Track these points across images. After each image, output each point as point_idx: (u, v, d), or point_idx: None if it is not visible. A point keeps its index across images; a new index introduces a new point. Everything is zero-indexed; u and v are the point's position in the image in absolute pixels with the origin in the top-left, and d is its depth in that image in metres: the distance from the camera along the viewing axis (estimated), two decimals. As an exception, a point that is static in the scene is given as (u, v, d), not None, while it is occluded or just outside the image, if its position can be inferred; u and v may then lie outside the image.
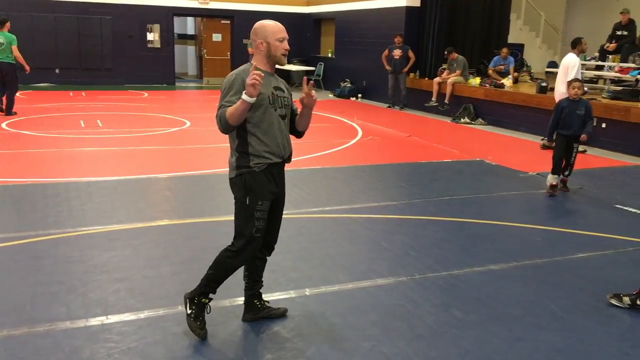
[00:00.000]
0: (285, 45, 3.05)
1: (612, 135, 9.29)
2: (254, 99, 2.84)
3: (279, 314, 3.44)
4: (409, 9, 14.27)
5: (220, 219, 5.20)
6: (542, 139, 10.08)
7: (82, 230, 4.87)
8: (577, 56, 8.68)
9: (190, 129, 10.14)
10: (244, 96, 2.82)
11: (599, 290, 3.96)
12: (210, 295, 3.22)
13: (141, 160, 7.67)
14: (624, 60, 11.13)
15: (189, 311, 3.20)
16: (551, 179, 6.50)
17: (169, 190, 6.31)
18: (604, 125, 9.35)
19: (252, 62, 3.11)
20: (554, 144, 6.58)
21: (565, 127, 6.38)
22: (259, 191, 3.06)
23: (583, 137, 6.35)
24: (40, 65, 16.54)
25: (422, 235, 5.02)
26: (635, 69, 10.40)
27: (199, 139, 9.23)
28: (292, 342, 3.19)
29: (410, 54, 13.72)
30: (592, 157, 8.74)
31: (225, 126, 2.95)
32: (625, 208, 6.03)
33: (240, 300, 3.58)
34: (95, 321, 3.34)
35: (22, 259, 4.22)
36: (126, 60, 17.52)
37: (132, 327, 3.30)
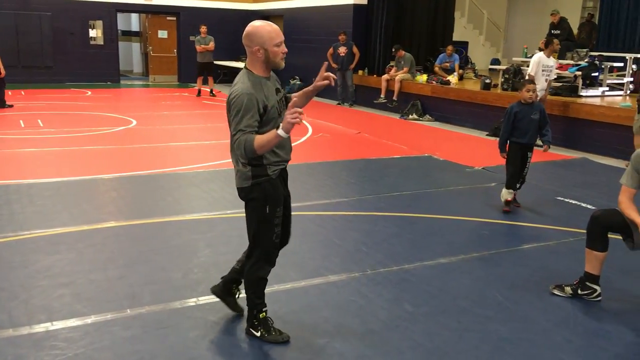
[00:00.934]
0: (284, 48, 2.94)
1: (553, 130, 9.54)
2: (288, 135, 2.82)
3: (236, 310, 3.42)
4: (356, 7, 14.38)
5: (169, 220, 5.11)
6: (487, 134, 10.38)
7: (24, 234, 4.69)
8: (548, 57, 9.01)
9: (136, 128, 9.92)
10: (281, 132, 2.74)
11: (542, 281, 4.11)
12: (264, 308, 3.20)
13: (85, 161, 7.44)
14: (562, 57, 11.55)
15: (258, 334, 3.17)
16: (506, 194, 5.75)
17: (115, 191, 6.15)
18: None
19: (246, 66, 2.96)
20: (507, 154, 5.79)
21: (520, 134, 5.68)
22: (277, 198, 3.05)
23: (545, 147, 5.81)
24: (-25, 63, 15.86)
25: (373, 231, 5.07)
26: (573, 65, 10.81)
27: (146, 138, 9.04)
28: (245, 342, 3.17)
29: (355, 50, 13.82)
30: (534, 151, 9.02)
31: (250, 155, 2.82)
32: (566, 200, 6.27)
33: (192, 302, 3.54)
34: (39, 328, 3.22)
35: (-42, 266, 4.03)
36: (68, 57, 16.97)
37: (78, 332, 3.20)
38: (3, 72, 11.33)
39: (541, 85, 8.93)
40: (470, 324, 3.45)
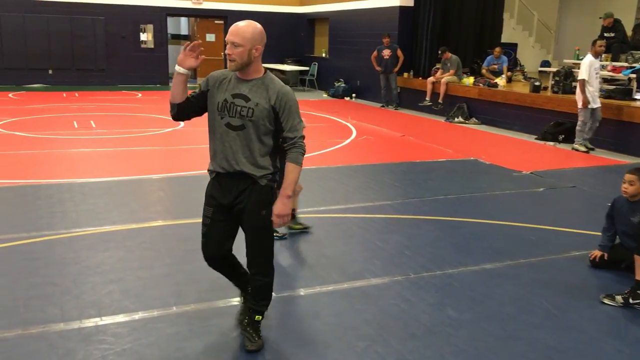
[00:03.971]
0: (227, 50, 2.84)
1: (606, 134, 9.32)
2: (182, 69, 2.86)
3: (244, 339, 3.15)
4: (402, 9, 14.29)
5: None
6: (536, 138, 10.14)
7: (76, 231, 4.85)
8: (594, 57, 8.79)
9: (184, 130, 10.12)
10: (177, 68, 2.88)
11: (592, 289, 3.98)
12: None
13: (135, 161, 7.65)
14: (615, 59, 11.19)
15: None
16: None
17: (162, 191, 6.30)
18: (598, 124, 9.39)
19: None
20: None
21: (619, 234, 4.26)
22: (206, 195, 3.05)
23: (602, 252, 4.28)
24: (33, 66, 16.54)
25: (416, 235, 5.03)
26: (627, 67, 10.45)
27: (193, 139, 9.21)
28: (287, 342, 3.19)
29: (399, 52, 13.73)
30: (585, 156, 8.78)
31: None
32: (618, 206, 6.05)
33: (235, 301, 3.59)
34: (89, 323, 3.33)
35: (15, 261, 4.20)
36: (119, 60, 17.47)
37: (126, 328, 3.29)
38: None
39: (595, 87, 8.75)
40: (515, 332, 3.38)
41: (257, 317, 3.13)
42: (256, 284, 3.08)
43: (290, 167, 2.87)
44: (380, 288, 3.92)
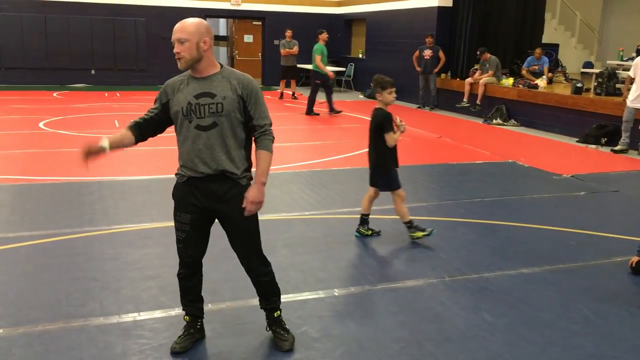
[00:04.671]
0: (175, 49, 2.80)
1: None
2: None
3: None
4: (440, 9, 14.15)
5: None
6: (577, 141, 9.90)
7: (116, 228, 4.97)
8: None
9: (221, 129, 10.25)
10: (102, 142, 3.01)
11: (634, 296, 3.88)
12: (188, 315, 3.13)
13: (174, 160, 7.75)
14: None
15: None
16: None
17: (200, 189, 6.38)
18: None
19: None
20: None
21: None
22: (177, 201, 2.98)
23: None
24: (76, 67, 16.98)
25: (452, 237, 4.98)
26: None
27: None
28: (320, 342, 3.20)
29: (441, 54, 13.61)
30: (629, 159, 8.54)
31: None
32: (663, 212, 5.87)
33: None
34: (127, 317, 3.41)
35: (57, 256, 4.33)
36: (160, 61, 17.76)
37: (163, 324, 3.35)
38: (331, 74, 12.45)
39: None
40: (553, 338, 3.31)
41: (275, 314, 3.17)
42: (261, 284, 3.10)
43: (263, 155, 2.86)
44: (415, 290, 3.89)
